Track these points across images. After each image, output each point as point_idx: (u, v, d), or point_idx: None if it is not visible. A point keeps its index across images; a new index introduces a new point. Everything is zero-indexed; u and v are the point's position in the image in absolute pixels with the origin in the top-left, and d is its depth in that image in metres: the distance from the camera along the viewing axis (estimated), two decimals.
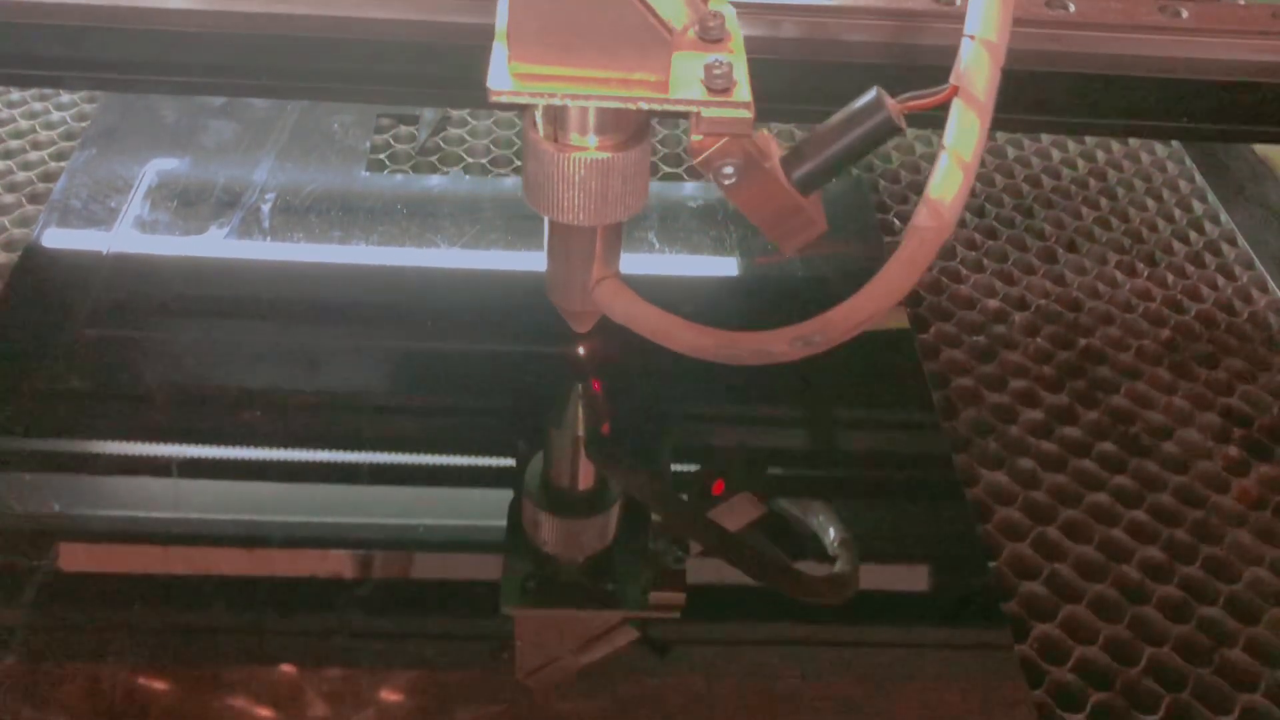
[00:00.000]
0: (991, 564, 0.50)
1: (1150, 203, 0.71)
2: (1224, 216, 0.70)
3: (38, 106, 0.71)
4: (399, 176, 0.68)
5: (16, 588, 0.46)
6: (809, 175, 0.45)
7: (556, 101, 0.42)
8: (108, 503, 0.50)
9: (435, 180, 0.68)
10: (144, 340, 0.57)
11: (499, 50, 0.42)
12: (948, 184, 0.43)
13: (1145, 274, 0.66)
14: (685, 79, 0.42)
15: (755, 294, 0.63)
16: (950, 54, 0.44)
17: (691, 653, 0.47)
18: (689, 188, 0.69)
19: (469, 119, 0.72)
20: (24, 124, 0.70)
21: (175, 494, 0.51)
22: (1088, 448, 0.56)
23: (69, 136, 0.69)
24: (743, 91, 0.42)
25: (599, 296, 0.50)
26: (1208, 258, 0.67)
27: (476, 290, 0.62)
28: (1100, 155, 0.74)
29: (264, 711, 0.43)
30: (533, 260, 0.63)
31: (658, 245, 0.64)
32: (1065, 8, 0.53)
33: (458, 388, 0.57)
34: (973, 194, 0.70)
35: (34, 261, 0.60)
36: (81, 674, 0.44)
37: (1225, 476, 0.55)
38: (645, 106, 0.42)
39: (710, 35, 0.43)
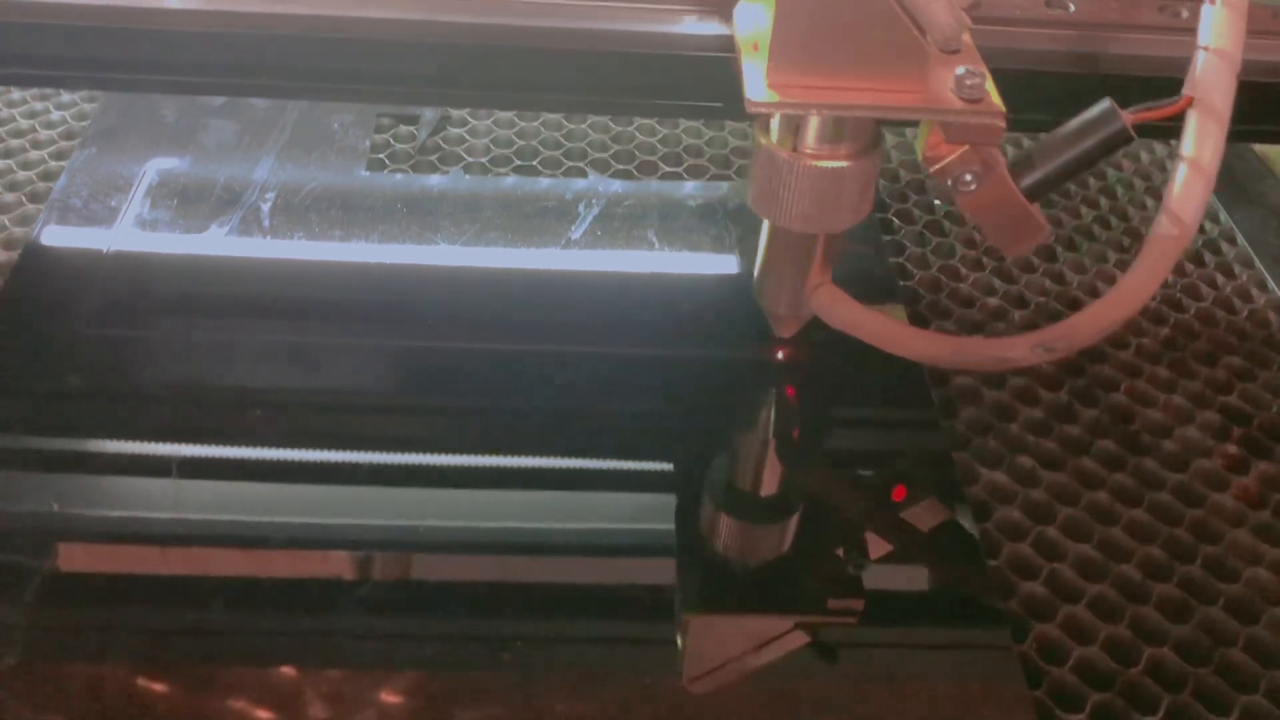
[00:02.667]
0: (991, 563, 0.50)
1: (1150, 201, 0.71)
2: (1223, 215, 0.70)
3: (38, 106, 0.71)
4: (399, 176, 0.68)
5: (17, 587, 0.46)
6: (1039, 183, 0.46)
7: (816, 113, 0.44)
8: (109, 503, 0.50)
9: (435, 180, 0.68)
10: (145, 339, 0.57)
11: (752, 63, 0.44)
12: (1187, 192, 0.44)
13: None
14: (934, 89, 0.43)
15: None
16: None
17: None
18: (689, 187, 0.69)
19: (469, 119, 0.72)
20: (24, 123, 0.70)
21: (197, 494, 0.51)
22: (1087, 446, 0.56)
23: (69, 136, 0.69)
24: (996, 100, 0.43)
25: (817, 301, 0.50)
26: (1207, 256, 0.67)
27: (482, 288, 0.62)
28: None
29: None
30: (532, 259, 0.63)
31: (657, 244, 0.64)
32: (1065, 7, 0.52)
33: (467, 388, 0.57)
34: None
35: (34, 260, 0.60)
36: (81, 674, 0.44)
37: (1225, 475, 0.55)
38: (902, 116, 0.43)
39: (949, 46, 0.44)
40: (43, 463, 0.51)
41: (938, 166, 0.45)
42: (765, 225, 0.50)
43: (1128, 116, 0.45)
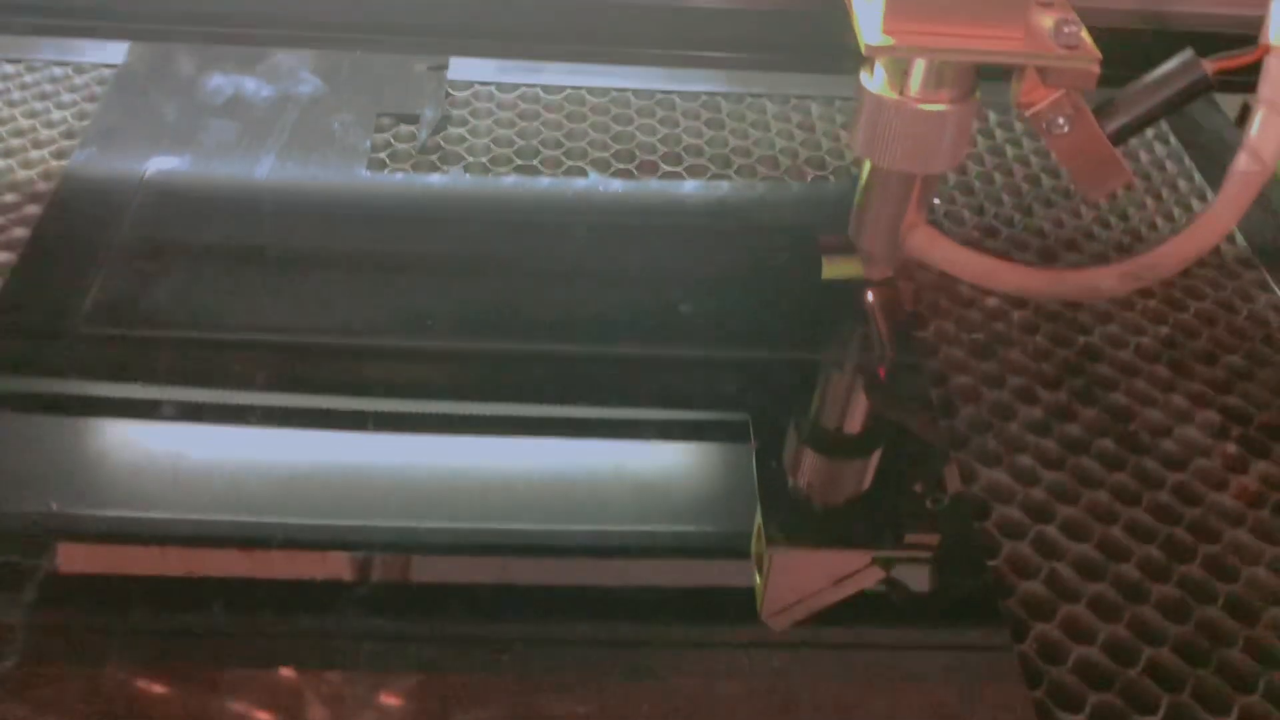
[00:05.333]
0: (990, 562, 0.50)
1: (1149, 201, 0.71)
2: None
3: (39, 105, 0.71)
4: (399, 175, 0.68)
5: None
6: (1124, 128, 0.51)
7: (930, 57, 0.47)
8: (107, 502, 0.50)
9: (436, 179, 0.68)
10: (144, 339, 0.57)
11: (865, 9, 0.48)
12: (1267, 131, 0.49)
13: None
14: (1035, 36, 0.47)
15: (753, 289, 0.63)
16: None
17: (692, 653, 0.47)
18: (689, 187, 0.69)
19: (469, 118, 0.72)
20: (25, 123, 0.70)
21: (197, 493, 0.51)
22: (1086, 445, 0.56)
23: (70, 135, 0.69)
24: (1091, 47, 0.47)
25: (914, 241, 0.54)
26: (1209, 257, 0.67)
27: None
28: None
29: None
30: (532, 258, 0.63)
31: (658, 243, 0.64)
32: None
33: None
34: (971, 192, 0.70)
35: (34, 260, 0.60)
36: (80, 674, 0.44)
37: (1224, 474, 0.55)
38: (1009, 61, 0.47)
39: None
40: (39, 456, 0.51)
41: (1033, 111, 0.49)
42: (865, 168, 0.54)
43: (1208, 65, 0.49)
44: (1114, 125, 0.50)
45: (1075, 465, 0.55)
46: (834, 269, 0.58)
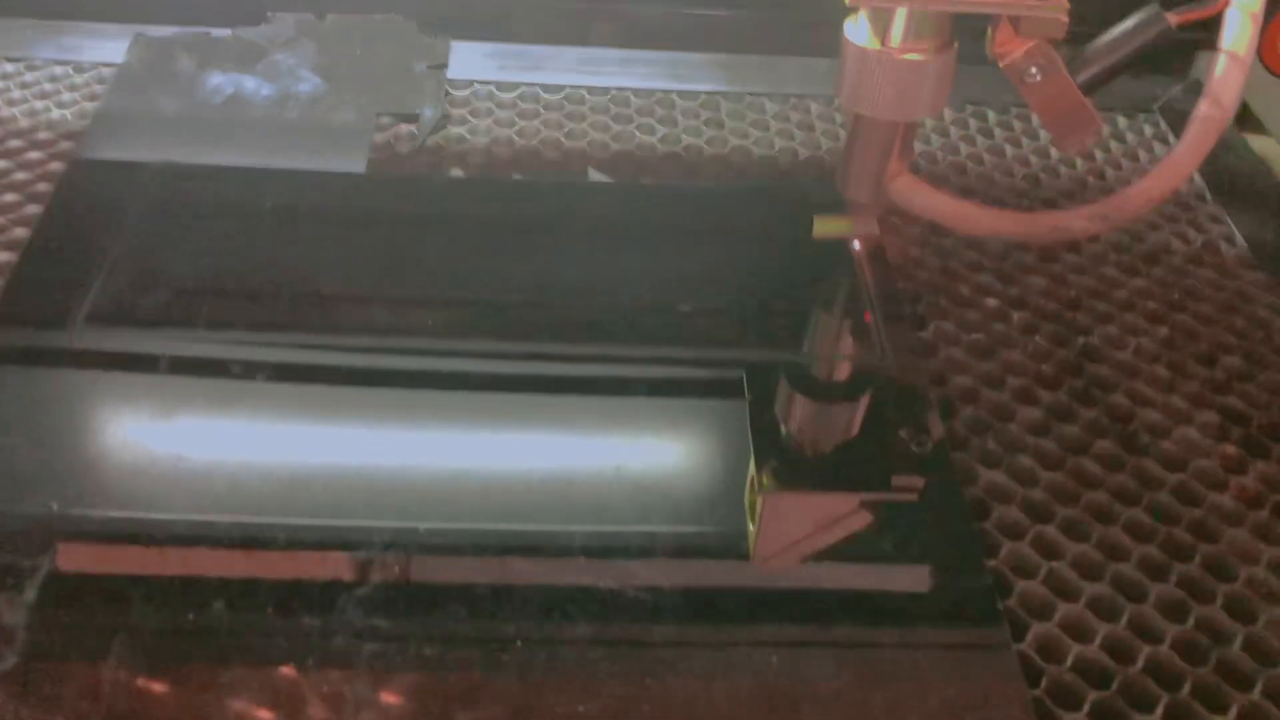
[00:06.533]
0: (990, 562, 0.51)
1: None
2: (1223, 216, 0.70)
3: (39, 105, 0.71)
4: (399, 176, 0.68)
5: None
6: (1094, 78, 0.53)
7: (910, 6, 0.50)
8: (107, 502, 0.50)
9: (435, 180, 0.68)
10: (146, 339, 0.57)
11: None
12: (1227, 79, 0.51)
13: (1145, 273, 0.66)
14: None
15: (748, 288, 0.63)
16: None
17: (692, 653, 0.47)
18: (689, 187, 0.69)
19: (469, 118, 0.73)
20: (25, 123, 0.70)
21: (198, 494, 0.51)
22: (1086, 446, 0.56)
23: (70, 135, 0.69)
24: None
25: (896, 189, 0.56)
26: (1207, 257, 0.67)
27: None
28: (1099, 155, 0.74)
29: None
30: (531, 259, 0.63)
31: (658, 243, 0.64)
32: None
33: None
34: (971, 194, 0.70)
35: (35, 260, 0.60)
36: (80, 671, 0.44)
37: (1223, 475, 0.55)
38: (983, 10, 0.50)
39: None
40: (40, 455, 0.51)
41: (1007, 61, 0.51)
42: (852, 120, 0.56)
43: (1172, 18, 0.52)
44: (1085, 76, 0.52)
45: (1075, 466, 0.55)
46: (824, 226, 0.61)
